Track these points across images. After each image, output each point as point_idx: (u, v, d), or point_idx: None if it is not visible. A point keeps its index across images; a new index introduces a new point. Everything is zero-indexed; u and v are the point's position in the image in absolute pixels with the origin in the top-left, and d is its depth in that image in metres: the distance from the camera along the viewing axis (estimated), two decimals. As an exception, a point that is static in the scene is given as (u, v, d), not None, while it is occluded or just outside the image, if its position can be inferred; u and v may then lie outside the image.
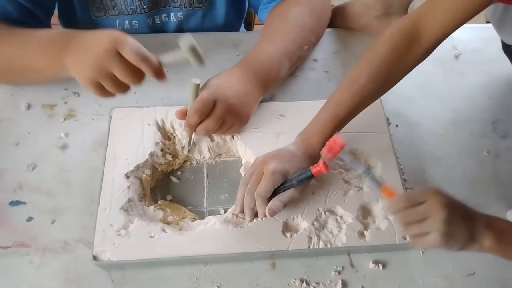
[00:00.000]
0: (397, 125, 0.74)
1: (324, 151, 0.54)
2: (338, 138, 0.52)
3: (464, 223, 0.48)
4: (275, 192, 0.58)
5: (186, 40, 0.50)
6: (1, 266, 0.58)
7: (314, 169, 0.55)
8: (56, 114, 0.73)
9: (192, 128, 0.63)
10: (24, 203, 0.63)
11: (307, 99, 0.75)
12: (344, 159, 0.54)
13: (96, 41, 0.53)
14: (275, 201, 0.58)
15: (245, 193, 0.59)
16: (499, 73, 0.82)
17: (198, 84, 0.60)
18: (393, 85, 0.64)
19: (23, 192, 0.64)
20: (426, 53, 0.62)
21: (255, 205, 0.59)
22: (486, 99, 0.79)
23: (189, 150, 0.68)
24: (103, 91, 0.55)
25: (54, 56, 0.58)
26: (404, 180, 0.66)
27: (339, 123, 0.61)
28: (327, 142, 0.53)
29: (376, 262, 0.60)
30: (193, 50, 0.50)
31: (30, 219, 0.62)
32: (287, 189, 0.58)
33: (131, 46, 0.52)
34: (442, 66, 0.83)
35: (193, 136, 0.67)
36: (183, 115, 0.64)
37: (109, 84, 0.54)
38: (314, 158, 0.61)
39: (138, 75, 0.53)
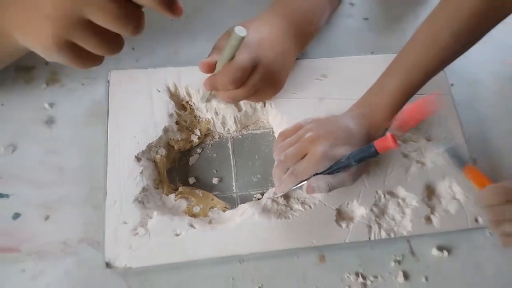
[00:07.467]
0: (452, 84, 0.62)
1: (400, 122, 0.42)
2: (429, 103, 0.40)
3: None
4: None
5: None
6: (-15, 278, 0.46)
7: (380, 145, 0.44)
8: (36, 79, 0.57)
9: (213, 89, 0.49)
10: (7, 195, 0.50)
11: (344, 53, 0.61)
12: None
13: None
14: (321, 182, 0.46)
15: (276, 163, 0.49)
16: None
17: (243, 38, 0.43)
18: (475, 43, 0.49)
19: (3, 181, 0.51)
20: None
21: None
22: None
23: (207, 100, 0.54)
24: (83, 55, 0.36)
25: None
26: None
27: (411, 93, 0.49)
28: (411, 106, 0.41)
29: (440, 248, 0.51)
30: None
31: (16, 216, 0.49)
32: (340, 168, 0.46)
33: None
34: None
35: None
36: (210, 68, 0.47)
37: (90, 40, 0.34)
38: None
39: (133, 14, 0.33)
